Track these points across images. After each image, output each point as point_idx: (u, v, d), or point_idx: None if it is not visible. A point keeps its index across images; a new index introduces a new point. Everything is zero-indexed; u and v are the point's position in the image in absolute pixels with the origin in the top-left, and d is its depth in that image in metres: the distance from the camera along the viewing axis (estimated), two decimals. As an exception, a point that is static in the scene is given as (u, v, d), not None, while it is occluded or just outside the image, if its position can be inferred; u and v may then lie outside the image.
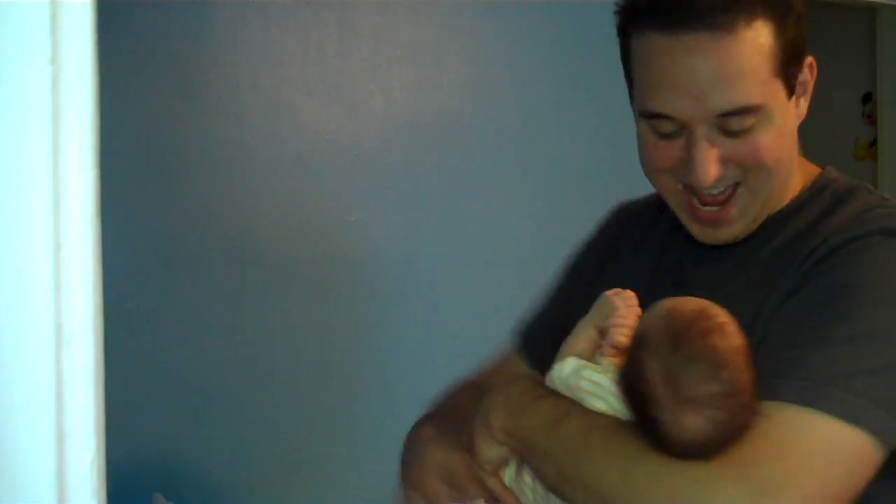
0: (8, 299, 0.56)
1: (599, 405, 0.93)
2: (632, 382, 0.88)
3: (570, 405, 0.94)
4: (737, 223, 1.03)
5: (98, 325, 0.58)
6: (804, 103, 1.05)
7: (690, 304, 0.89)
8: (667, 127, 1.00)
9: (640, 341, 0.88)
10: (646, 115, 1.01)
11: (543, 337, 1.18)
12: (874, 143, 3.89)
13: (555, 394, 0.96)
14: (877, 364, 0.90)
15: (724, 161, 0.98)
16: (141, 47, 2.09)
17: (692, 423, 0.84)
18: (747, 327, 0.91)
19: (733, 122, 0.97)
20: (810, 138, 4.45)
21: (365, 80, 2.30)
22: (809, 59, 1.04)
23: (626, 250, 1.19)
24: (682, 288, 1.05)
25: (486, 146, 2.42)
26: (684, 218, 1.06)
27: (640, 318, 0.93)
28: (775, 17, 0.97)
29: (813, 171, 1.11)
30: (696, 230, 1.05)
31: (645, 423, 0.87)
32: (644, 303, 1.00)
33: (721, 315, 0.88)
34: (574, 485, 0.91)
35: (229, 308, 2.19)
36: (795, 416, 0.87)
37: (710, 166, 0.97)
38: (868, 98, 3.98)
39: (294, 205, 2.25)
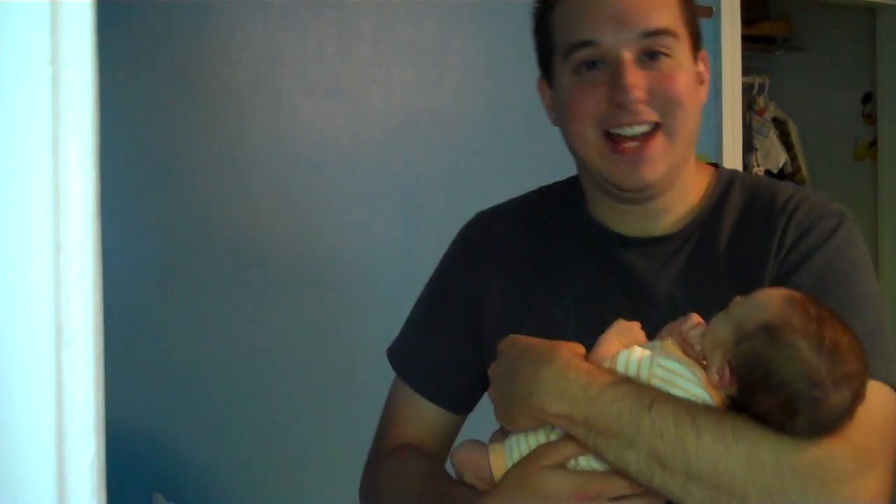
0: (8, 299, 0.56)
1: (676, 392, 0.93)
2: (776, 366, 0.88)
3: (653, 390, 0.93)
4: (658, 164, 1.08)
5: (98, 325, 0.58)
6: (703, 91, 1.15)
7: (786, 292, 0.94)
8: (588, 54, 1.07)
9: (774, 327, 0.89)
10: (569, 49, 1.08)
11: (441, 372, 1.20)
12: (874, 143, 3.89)
13: (627, 379, 0.95)
14: (877, 324, 1.02)
15: (648, 91, 1.06)
16: (141, 47, 2.09)
17: (844, 398, 0.87)
18: (726, 303, 0.98)
19: (659, 42, 1.06)
20: (810, 138, 4.46)
21: (365, 80, 2.30)
22: (703, 53, 1.15)
23: (528, 263, 1.19)
24: (640, 284, 1.11)
25: (486, 146, 2.42)
26: (608, 164, 1.10)
27: (735, 308, 0.94)
28: None
29: (708, 167, 1.20)
30: (620, 172, 1.09)
31: (781, 400, 0.88)
32: (609, 302, 1.08)
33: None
34: (675, 471, 0.90)
35: (229, 308, 2.19)
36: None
37: (637, 81, 1.05)
38: (868, 98, 3.98)
39: (294, 205, 2.25)
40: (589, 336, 1.03)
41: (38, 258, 0.56)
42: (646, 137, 1.07)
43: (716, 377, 0.92)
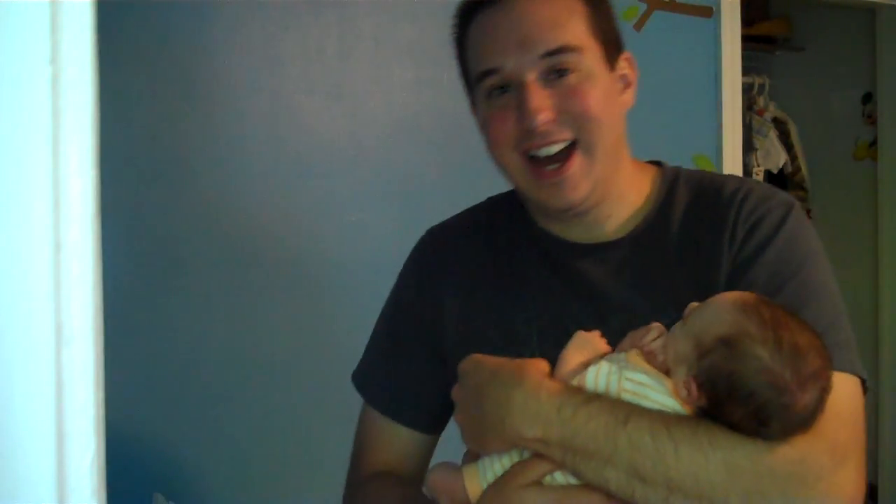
0: (8, 299, 0.56)
1: (646, 404, 0.93)
2: (741, 379, 0.88)
3: (627, 405, 0.93)
4: (580, 184, 1.07)
5: (98, 325, 0.58)
6: (629, 96, 1.14)
7: (739, 295, 0.94)
8: (495, 80, 1.07)
9: (732, 340, 0.89)
10: (479, 78, 1.09)
11: (408, 395, 1.19)
12: (874, 143, 3.89)
13: (598, 396, 0.94)
14: (835, 313, 1.03)
15: (557, 110, 1.05)
16: (141, 47, 2.09)
17: (812, 397, 0.88)
18: (683, 304, 0.99)
19: (560, 60, 1.05)
20: (810, 138, 4.45)
21: (365, 80, 2.30)
22: (627, 54, 1.14)
23: (485, 276, 1.18)
24: (597, 292, 1.10)
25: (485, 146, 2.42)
26: (532, 188, 1.10)
27: (690, 320, 0.94)
28: None
29: (649, 167, 1.19)
30: (545, 195, 1.09)
31: (751, 409, 0.88)
32: (569, 312, 1.08)
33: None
34: (656, 485, 0.89)
35: (229, 308, 2.19)
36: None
37: (541, 102, 1.05)
38: (868, 98, 3.98)
39: (294, 205, 2.25)
40: (553, 348, 1.03)
41: (38, 258, 0.56)
42: (564, 157, 1.06)
43: (683, 391, 0.92)
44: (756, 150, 3.90)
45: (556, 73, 1.05)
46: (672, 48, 2.71)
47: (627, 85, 1.13)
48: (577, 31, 1.06)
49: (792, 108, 4.09)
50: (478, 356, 1.03)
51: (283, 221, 2.24)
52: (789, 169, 4.03)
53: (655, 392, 0.93)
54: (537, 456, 0.95)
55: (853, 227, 4.00)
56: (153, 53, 2.10)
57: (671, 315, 0.99)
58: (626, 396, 0.93)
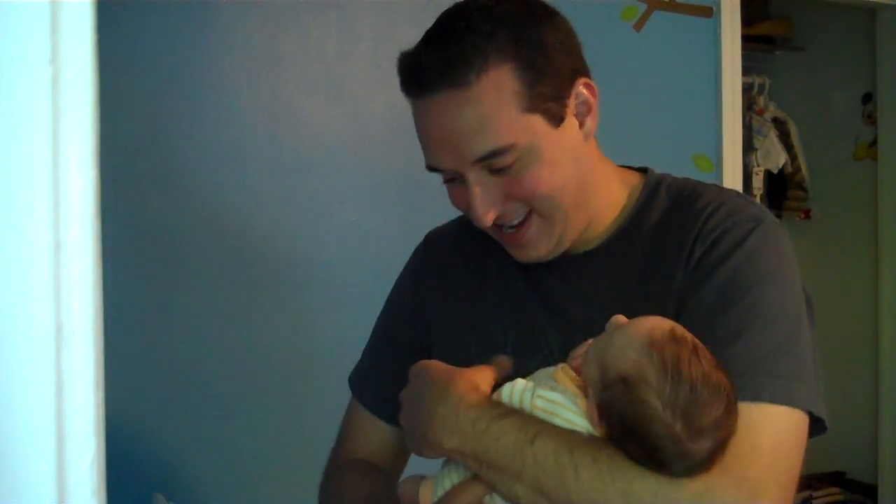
0: (8, 299, 0.56)
1: (558, 422, 0.93)
2: (634, 422, 0.87)
3: (538, 422, 0.93)
4: (540, 243, 1.08)
5: (98, 325, 0.58)
6: (591, 121, 1.09)
7: (652, 326, 0.90)
8: (446, 175, 1.07)
9: (630, 379, 0.87)
10: (428, 167, 1.08)
11: (394, 394, 1.14)
12: (874, 143, 3.89)
13: (514, 411, 0.95)
14: (783, 340, 0.98)
15: (506, 198, 1.05)
16: (141, 47, 2.09)
17: (704, 447, 0.86)
18: None
19: (494, 162, 1.02)
20: (810, 138, 4.45)
21: (365, 80, 2.30)
22: (583, 80, 1.07)
23: (466, 282, 1.20)
24: (560, 307, 1.10)
25: (486, 146, 2.42)
26: (504, 246, 1.12)
27: (602, 344, 0.92)
28: (518, 58, 1.01)
29: (633, 176, 1.17)
30: (512, 251, 1.12)
31: (646, 451, 0.87)
32: (537, 325, 1.10)
33: (685, 332, 0.90)
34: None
35: (229, 308, 2.19)
36: (749, 411, 0.91)
37: (484, 208, 1.05)
38: (868, 98, 3.99)
39: (294, 205, 2.25)
40: (526, 360, 1.03)
41: (38, 258, 0.56)
42: (520, 223, 1.07)
43: (590, 416, 0.92)
44: (756, 150, 3.90)
45: (495, 171, 1.03)
46: (672, 48, 2.71)
47: (588, 110, 1.08)
48: (505, 124, 1.01)
49: (792, 108, 4.09)
50: (426, 362, 1.04)
51: (283, 221, 2.24)
52: (789, 169, 4.03)
53: (567, 411, 0.93)
54: (475, 477, 0.96)
55: (853, 227, 4.00)
56: (153, 53, 2.10)
57: None
58: (538, 413, 0.94)
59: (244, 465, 2.19)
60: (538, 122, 1.03)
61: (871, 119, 3.94)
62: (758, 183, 3.89)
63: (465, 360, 1.04)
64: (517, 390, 0.96)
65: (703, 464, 0.87)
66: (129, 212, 2.07)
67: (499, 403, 0.96)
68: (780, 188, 4.07)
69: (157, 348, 2.11)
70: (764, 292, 1.00)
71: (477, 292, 1.19)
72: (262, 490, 2.20)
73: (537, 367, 1.01)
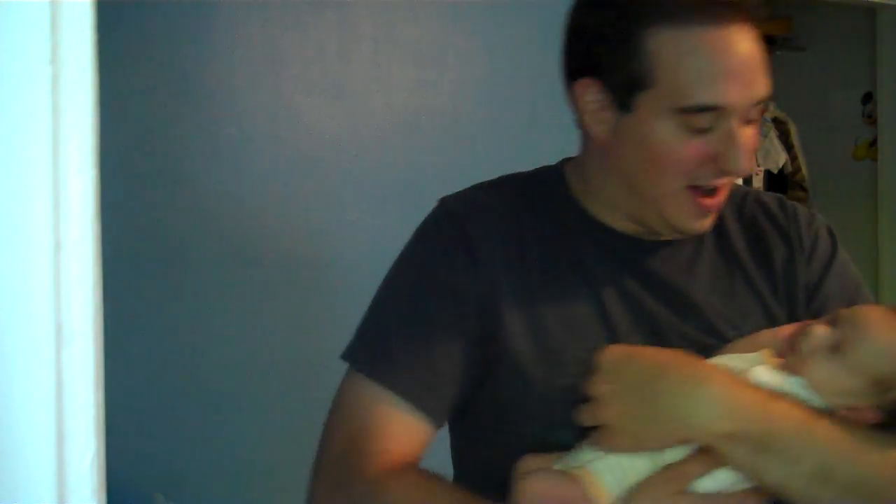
0: (8, 299, 0.56)
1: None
2: None
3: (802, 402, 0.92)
4: (716, 214, 1.06)
5: (98, 325, 0.58)
6: None
7: (886, 313, 0.95)
8: (705, 121, 0.98)
9: None
10: (689, 111, 0.98)
11: (440, 383, 1.03)
12: (874, 143, 3.89)
13: (777, 392, 0.92)
14: None
15: None
16: (141, 47, 2.09)
17: None
18: (766, 307, 1.06)
19: (754, 112, 1.01)
20: (810, 138, 4.44)
21: (365, 80, 2.30)
22: None
23: (534, 261, 1.07)
24: (672, 291, 1.06)
25: (486, 146, 2.42)
26: (680, 214, 1.03)
27: (852, 356, 0.92)
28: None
29: None
30: (688, 222, 1.04)
31: None
32: (641, 308, 1.04)
33: None
34: (840, 485, 0.89)
35: (229, 308, 2.19)
36: None
37: (750, 152, 1.01)
38: (868, 98, 3.98)
39: (294, 205, 2.25)
40: (623, 341, 0.99)
41: (38, 258, 0.56)
42: (719, 188, 1.03)
43: (865, 416, 0.92)
44: (756, 150, 3.90)
45: (748, 121, 1.01)
46: (672, 48, 2.70)
47: None
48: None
49: (792, 108, 4.09)
50: (624, 348, 0.96)
51: (283, 221, 2.24)
52: (789, 169, 4.03)
53: (812, 397, 0.92)
54: (692, 458, 0.90)
55: (853, 227, 4.00)
56: (153, 53, 2.10)
57: (757, 319, 1.03)
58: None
59: (244, 464, 2.19)
60: None
61: (871, 119, 3.94)
62: (758, 182, 3.88)
63: (551, 346, 1.00)
64: (764, 378, 0.92)
65: None
66: (129, 212, 2.07)
67: (743, 379, 0.92)
68: (780, 188, 4.07)
69: (157, 348, 2.11)
70: (861, 283, 1.12)
71: (552, 273, 1.06)
72: (262, 490, 2.20)
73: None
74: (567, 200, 1.11)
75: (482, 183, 1.18)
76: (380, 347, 1.10)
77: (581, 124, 1.09)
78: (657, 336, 1.03)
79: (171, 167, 2.14)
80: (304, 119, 2.26)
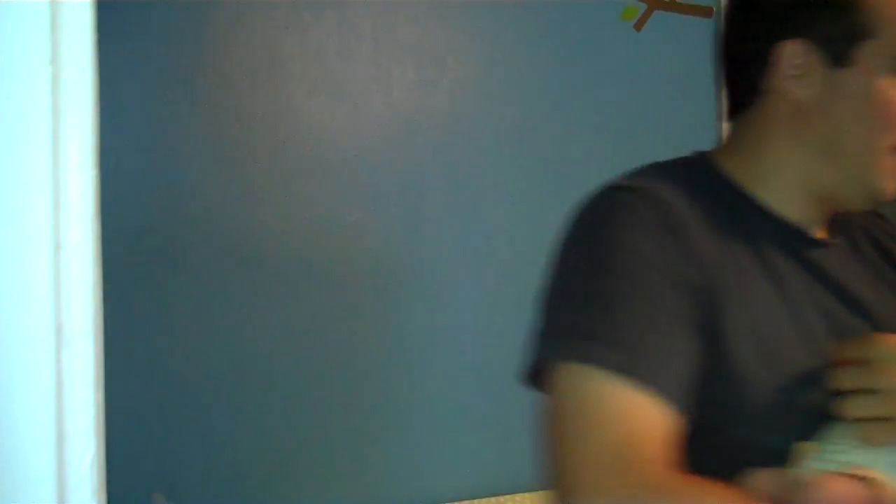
0: (8, 299, 0.56)
1: None
2: None
3: None
4: None
5: (98, 325, 0.58)
6: None
7: None
8: None
9: None
10: None
11: (682, 375, 0.95)
12: (874, 143, 3.88)
13: None
14: None
15: None
16: (141, 47, 2.09)
17: None
18: None
19: None
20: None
21: (365, 80, 2.30)
22: None
23: (732, 259, 1.01)
24: (841, 288, 1.05)
25: (486, 146, 2.42)
26: (882, 177, 1.01)
27: None
28: None
29: None
30: (889, 186, 1.02)
31: None
32: (822, 308, 1.01)
33: None
34: None
35: (229, 308, 2.19)
36: None
37: None
38: (868, 98, 3.98)
39: (294, 204, 2.25)
40: (818, 342, 0.96)
41: (38, 258, 0.56)
42: None
43: None
44: None
45: None
46: (672, 48, 2.70)
47: None
48: None
49: None
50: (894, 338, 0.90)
51: (283, 221, 2.24)
52: None
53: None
54: None
55: (853, 227, 4.00)
56: (153, 53, 2.10)
57: None
58: None
59: (244, 465, 2.19)
60: None
61: (871, 119, 3.93)
62: None
63: (784, 349, 0.97)
64: None
65: None
66: (129, 212, 2.07)
67: None
68: None
69: (157, 348, 2.11)
70: None
71: (754, 268, 1.02)
72: (262, 490, 2.20)
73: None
74: (731, 188, 1.08)
75: (642, 168, 1.09)
76: (629, 345, 0.95)
77: (773, 93, 1.05)
78: (841, 336, 0.98)
79: (171, 167, 2.14)
80: (304, 119, 2.26)
